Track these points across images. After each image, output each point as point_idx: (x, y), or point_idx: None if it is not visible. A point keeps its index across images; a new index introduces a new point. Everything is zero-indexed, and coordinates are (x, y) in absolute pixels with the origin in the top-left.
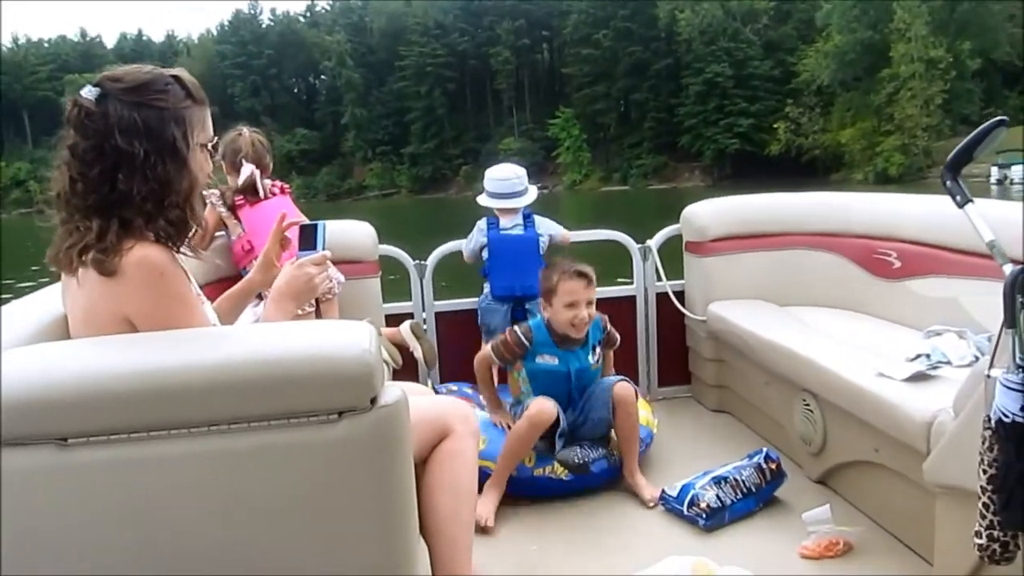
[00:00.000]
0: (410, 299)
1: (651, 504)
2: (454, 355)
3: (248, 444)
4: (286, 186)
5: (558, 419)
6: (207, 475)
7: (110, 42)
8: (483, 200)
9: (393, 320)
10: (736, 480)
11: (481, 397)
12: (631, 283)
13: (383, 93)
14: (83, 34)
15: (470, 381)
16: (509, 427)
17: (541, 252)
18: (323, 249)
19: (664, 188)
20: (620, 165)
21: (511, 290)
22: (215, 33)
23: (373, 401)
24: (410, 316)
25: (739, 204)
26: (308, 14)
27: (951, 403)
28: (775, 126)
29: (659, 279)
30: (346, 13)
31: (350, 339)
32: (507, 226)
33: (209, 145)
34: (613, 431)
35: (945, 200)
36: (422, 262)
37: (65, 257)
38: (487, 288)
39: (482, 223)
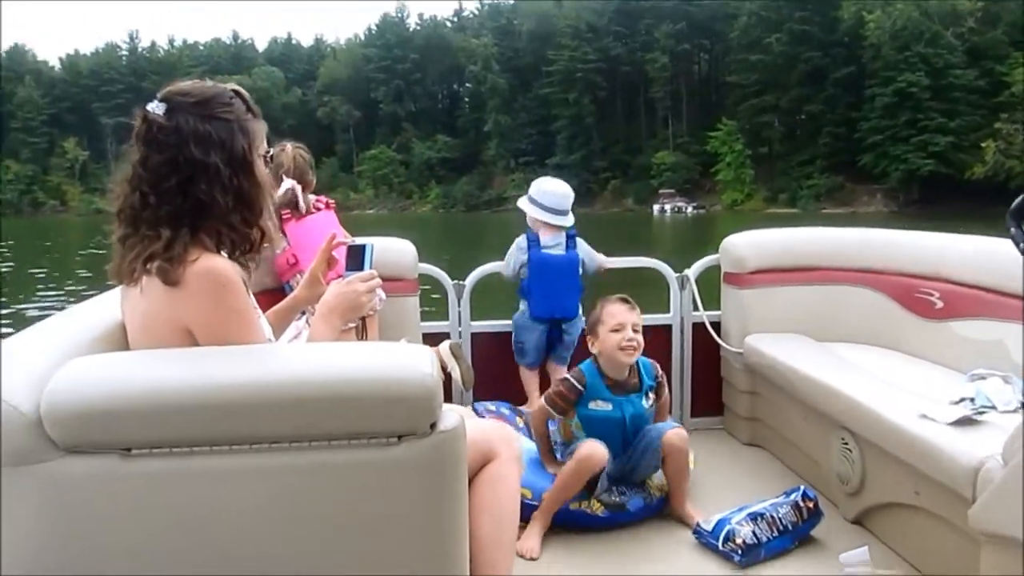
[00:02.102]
0: (447, 319)
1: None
2: (490, 376)
3: (308, 462)
4: (331, 202)
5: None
6: (266, 491)
7: (261, 45)
8: (532, 211)
9: (430, 339)
10: (773, 517)
11: (539, 450)
12: (668, 312)
13: (528, 100)
14: (235, 37)
15: (507, 400)
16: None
17: (580, 274)
18: (370, 268)
19: (839, 213)
20: (788, 185)
21: (550, 312)
22: (362, 37)
23: (432, 426)
24: (447, 336)
25: (779, 237)
26: (455, 18)
27: (999, 449)
28: (981, 145)
29: (696, 309)
30: (494, 16)
31: (413, 364)
32: (548, 244)
33: (266, 157)
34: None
35: (990, 241)
36: (460, 282)
37: (128, 268)
38: (523, 306)
39: (521, 240)
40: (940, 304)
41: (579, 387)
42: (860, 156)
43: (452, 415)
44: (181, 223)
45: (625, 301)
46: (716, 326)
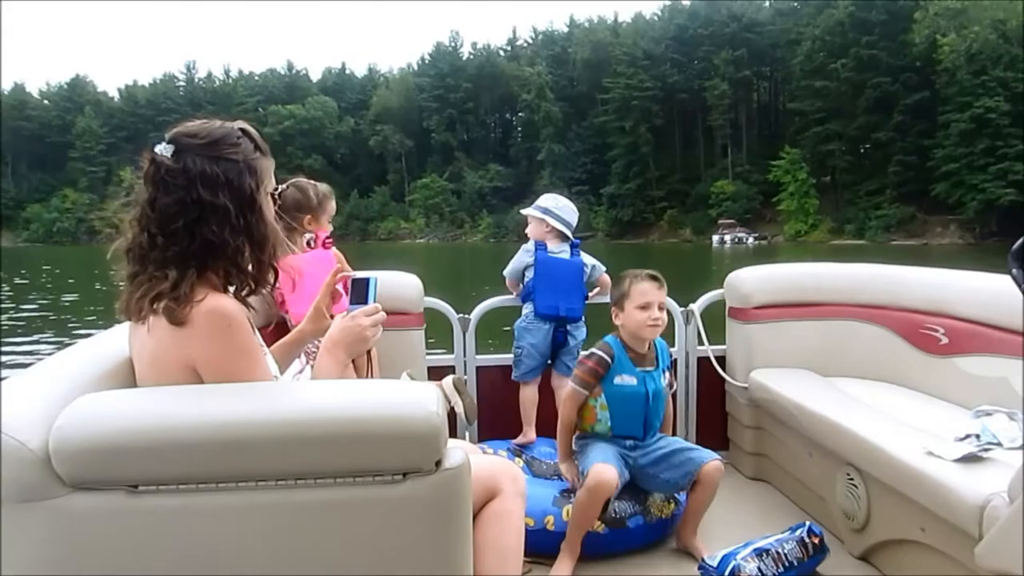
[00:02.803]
0: (452, 352)
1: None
2: (494, 409)
3: (313, 499)
4: (329, 240)
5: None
6: (271, 528)
7: (315, 75)
8: (547, 218)
9: (435, 372)
10: (778, 553)
11: (560, 437)
12: (673, 346)
13: (583, 129)
14: (290, 67)
15: (510, 439)
16: (571, 484)
17: (584, 280)
18: (374, 302)
19: (911, 245)
20: (855, 216)
21: (555, 309)
22: (415, 67)
23: (438, 463)
24: (452, 369)
25: (784, 272)
26: (509, 47)
27: (1004, 487)
28: None
29: (701, 343)
30: (548, 44)
31: (419, 401)
32: (554, 250)
33: (275, 194)
34: (678, 494)
35: (995, 278)
36: (466, 316)
37: (136, 306)
38: (526, 310)
39: (529, 245)
40: (945, 340)
41: (608, 359)
42: (933, 185)
43: (457, 452)
44: (188, 263)
45: (654, 279)
46: (721, 360)
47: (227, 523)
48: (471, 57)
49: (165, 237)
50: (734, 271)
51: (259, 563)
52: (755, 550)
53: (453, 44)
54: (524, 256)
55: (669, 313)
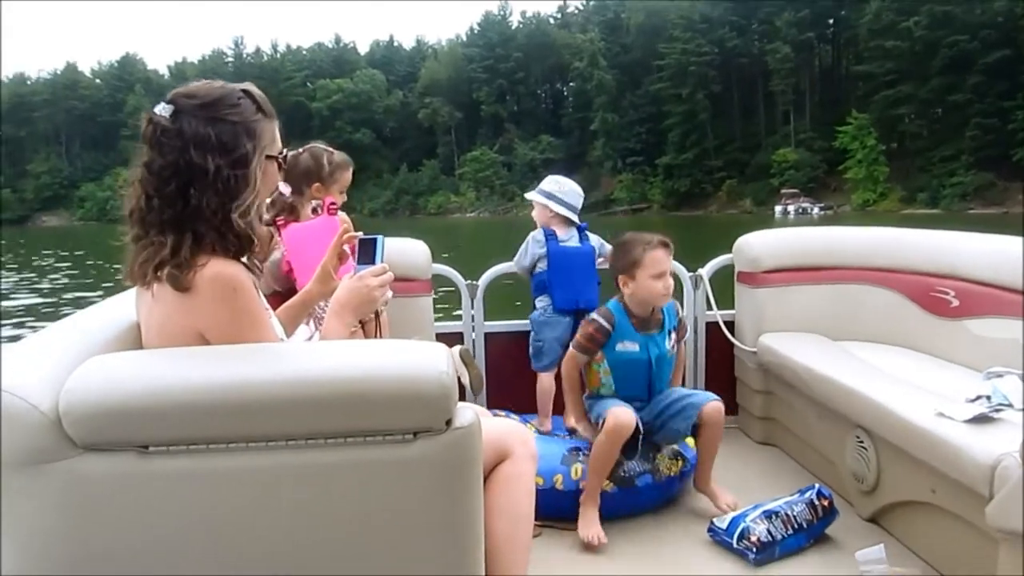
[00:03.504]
0: (460, 319)
1: (728, 509)
2: (502, 377)
3: (324, 460)
4: (334, 206)
5: (637, 427)
6: (282, 488)
7: (363, 48)
8: (552, 205)
9: (443, 339)
10: (787, 515)
11: (568, 400)
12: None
13: (637, 97)
14: (337, 40)
15: (518, 411)
16: (589, 440)
17: (596, 264)
18: (381, 262)
19: (989, 214)
20: (928, 183)
21: (574, 303)
22: (464, 37)
23: (448, 423)
24: (460, 336)
25: (793, 236)
26: (559, 15)
27: (1016, 447)
28: None
29: (709, 308)
30: (600, 10)
31: (428, 361)
32: (564, 238)
33: (279, 158)
34: (683, 448)
35: (1006, 239)
36: (474, 282)
37: (140, 272)
38: (542, 303)
39: (538, 235)
40: (956, 302)
41: (608, 327)
42: (1015, 150)
43: (468, 412)
44: (184, 227)
45: (666, 245)
46: (730, 325)
47: (237, 484)
48: (520, 26)
49: (160, 199)
50: (742, 236)
51: (270, 523)
52: (764, 512)
53: (502, 13)
54: (536, 247)
55: (677, 278)
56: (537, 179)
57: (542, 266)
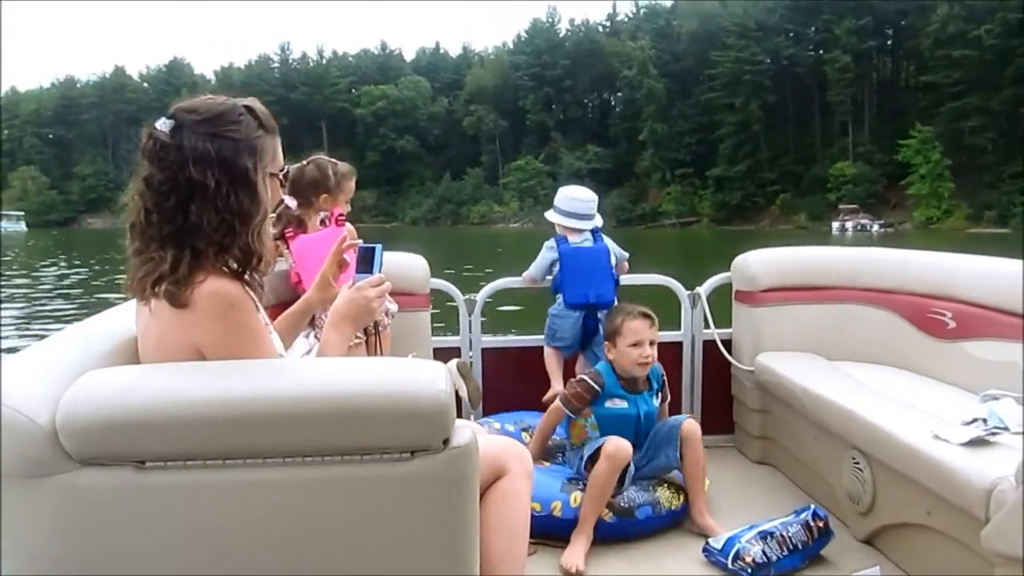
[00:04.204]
0: (458, 334)
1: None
2: (499, 392)
3: (321, 476)
4: (342, 217)
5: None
6: (279, 504)
7: (409, 55)
8: (555, 219)
9: (441, 354)
10: (783, 536)
11: (535, 441)
12: (679, 329)
13: (687, 106)
14: (383, 46)
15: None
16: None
17: (612, 264)
18: (380, 272)
19: None
20: (996, 200)
21: (585, 297)
22: (510, 45)
23: (446, 442)
24: (458, 351)
25: (791, 255)
26: (608, 22)
27: (1012, 470)
28: None
29: (707, 326)
30: (651, 18)
31: (427, 379)
32: (576, 241)
33: (280, 175)
34: (676, 472)
35: (1003, 261)
36: (471, 297)
37: (139, 286)
38: (559, 299)
39: (551, 242)
40: (953, 324)
41: (596, 388)
42: None
43: (465, 431)
44: (183, 243)
45: (646, 317)
46: (727, 344)
47: (234, 500)
48: (568, 33)
49: (159, 215)
50: (740, 255)
51: (266, 540)
52: (760, 533)
53: (550, 20)
54: (548, 253)
55: (675, 296)
56: None
57: (556, 268)
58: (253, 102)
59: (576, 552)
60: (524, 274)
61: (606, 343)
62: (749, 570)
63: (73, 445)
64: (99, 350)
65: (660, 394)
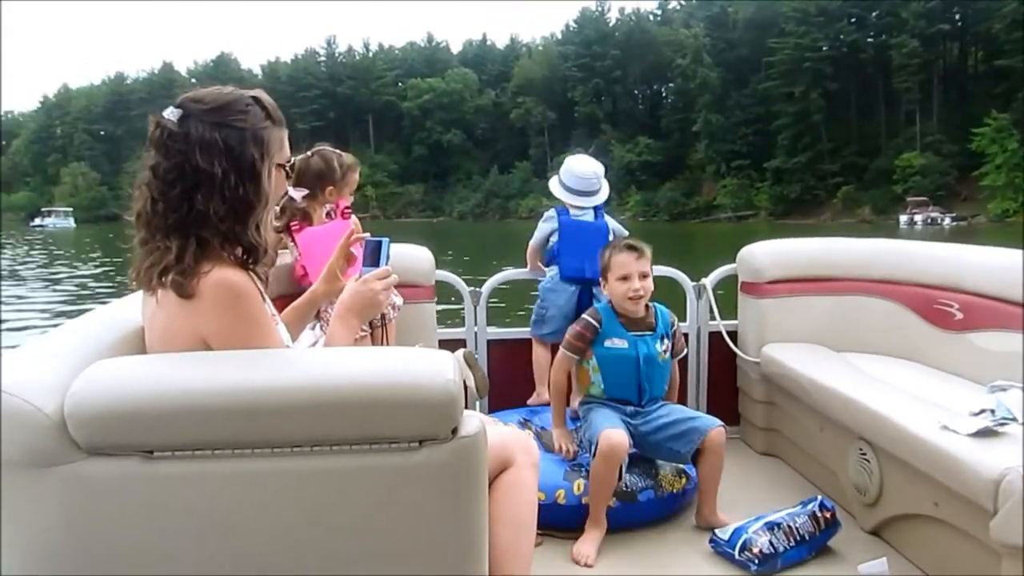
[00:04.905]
0: (463, 325)
1: None
2: (505, 384)
3: (329, 466)
4: (348, 210)
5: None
6: (287, 494)
7: (455, 47)
8: (557, 191)
9: (446, 346)
10: (790, 527)
11: (552, 403)
12: (684, 321)
13: (743, 96)
14: (430, 39)
15: (520, 406)
16: (567, 452)
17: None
18: (386, 265)
19: None
20: None
21: (581, 271)
22: (559, 36)
23: (454, 431)
24: (463, 342)
25: (797, 247)
26: (659, 11)
27: (1020, 461)
28: None
29: (712, 318)
30: (704, 5)
31: (435, 369)
32: (577, 213)
33: (287, 166)
34: (687, 467)
35: (1009, 252)
36: (477, 289)
37: (145, 276)
38: (551, 272)
39: (551, 212)
40: (960, 315)
41: (595, 324)
42: None
43: (473, 420)
44: (189, 233)
45: (632, 248)
46: (733, 335)
47: (242, 489)
48: (618, 23)
49: (165, 204)
50: (746, 246)
51: (274, 529)
52: (766, 524)
53: (600, 9)
54: (548, 223)
55: (681, 287)
56: (634, 183)
57: (554, 239)
58: (260, 93)
59: (588, 543)
60: (530, 243)
61: (600, 280)
62: (756, 561)
63: (81, 435)
64: (106, 340)
65: (672, 344)
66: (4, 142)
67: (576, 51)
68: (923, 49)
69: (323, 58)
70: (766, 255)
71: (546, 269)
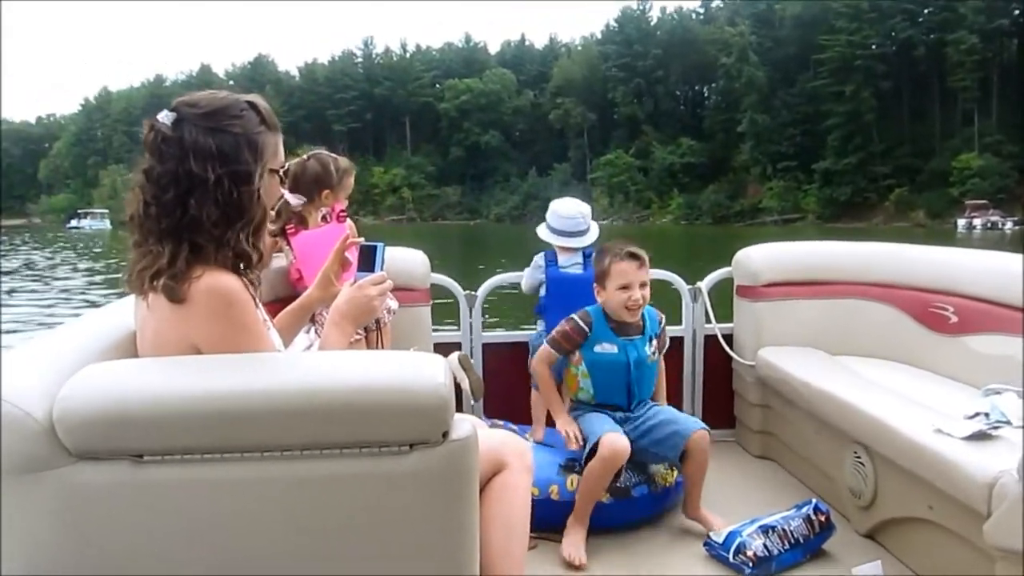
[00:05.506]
0: (458, 329)
1: (719, 529)
2: (500, 387)
3: (319, 471)
4: (344, 213)
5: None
6: (277, 499)
7: (493, 48)
8: (543, 234)
9: (441, 349)
10: (784, 530)
11: (543, 397)
12: (680, 324)
13: (790, 95)
14: (467, 40)
15: (517, 422)
16: (575, 438)
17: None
18: (381, 270)
19: None
20: None
21: None
22: (599, 36)
23: (445, 435)
24: (458, 346)
25: (793, 250)
26: (702, 9)
27: (1014, 465)
28: None
29: (708, 321)
30: (750, 3)
31: (426, 372)
32: (565, 264)
33: (281, 171)
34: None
35: (1004, 256)
36: (472, 293)
37: (137, 280)
38: (540, 326)
39: (539, 259)
40: (955, 319)
41: (585, 328)
42: None
43: (464, 424)
44: (181, 237)
45: (635, 257)
46: (728, 339)
47: (232, 494)
48: (660, 21)
49: (158, 207)
50: (742, 249)
51: (264, 534)
52: (761, 527)
53: (641, 9)
54: (536, 273)
55: (676, 290)
56: (676, 185)
57: (543, 291)
58: (256, 98)
59: (574, 542)
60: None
61: (596, 286)
62: (751, 564)
63: (70, 439)
64: (97, 345)
65: (658, 341)
66: (47, 145)
67: (617, 51)
68: (982, 46)
69: (360, 59)
70: (762, 258)
71: (538, 323)
